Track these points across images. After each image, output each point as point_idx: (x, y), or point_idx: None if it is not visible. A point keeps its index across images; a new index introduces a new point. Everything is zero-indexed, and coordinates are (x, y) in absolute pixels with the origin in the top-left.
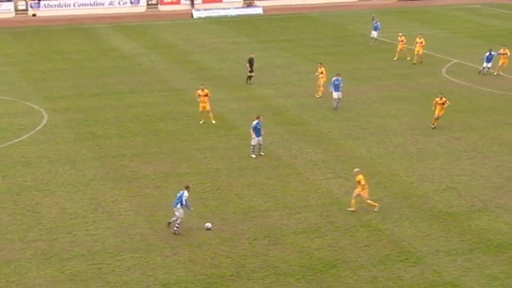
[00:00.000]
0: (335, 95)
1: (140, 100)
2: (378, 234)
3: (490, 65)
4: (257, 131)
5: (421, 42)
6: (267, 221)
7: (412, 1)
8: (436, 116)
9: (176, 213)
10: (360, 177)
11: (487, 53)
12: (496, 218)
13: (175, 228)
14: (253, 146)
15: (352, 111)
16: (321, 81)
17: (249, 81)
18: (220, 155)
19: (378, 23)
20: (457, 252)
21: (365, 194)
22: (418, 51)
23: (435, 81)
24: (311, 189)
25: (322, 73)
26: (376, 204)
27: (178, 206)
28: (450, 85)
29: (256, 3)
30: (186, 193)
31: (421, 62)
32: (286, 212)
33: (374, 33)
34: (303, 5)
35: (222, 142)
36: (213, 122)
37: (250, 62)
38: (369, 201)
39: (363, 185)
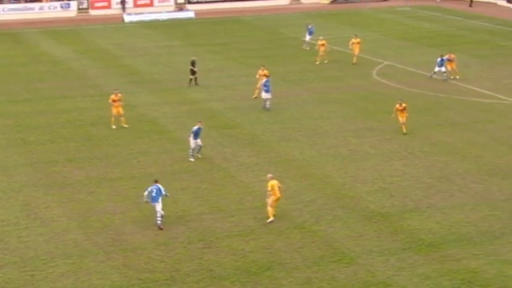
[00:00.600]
0: (264, 95)
1: (72, 105)
2: (312, 235)
3: (443, 68)
4: (196, 135)
5: (358, 42)
6: (202, 225)
7: (342, 4)
8: (401, 122)
9: (157, 209)
10: (273, 182)
11: (439, 59)
12: (428, 218)
13: (158, 222)
14: (192, 149)
15: (285, 114)
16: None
17: (192, 83)
18: (153, 159)
19: (313, 28)
20: (389, 252)
21: (273, 200)
22: (355, 51)
23: (366, 83)
24: (245, 192)
25: (265, 75)
26: (272, 218)
27: (160, 200)
28: (381, 87)
29: (188, 7)
30: (160, 186)
31: (354, 63)
32: (221, 215)
33: (308, 37)
34: (235, 8)
35: (155, 146)
36: (126, 126)
37: (193, 64)
38: (270, 208)
39: (275, 190)
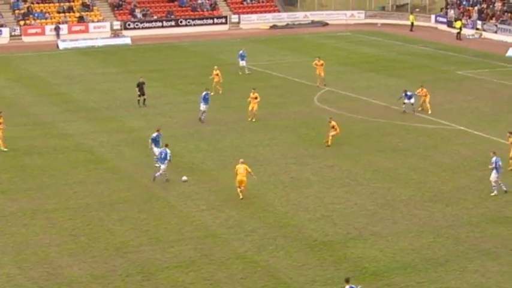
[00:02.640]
0: (202, 107)
1: (4, 134)
2: (254, 265)
3: (412, 100)
4: (156, 143)
5: (321, 64)
6: (140, 257)
7: (281, 29)
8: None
9: (162, 167)
10: (239, 166)
11: (403, 94)
12: (371, 246)
13: (156, 175)
14: (157, 156)
15: (225, 141)
16: (255, 106)
17: (142, 105)
18: (90, 189)
19: (245, 52)
20: (333, 281)
21: (237, 180)
22: (319, 73)
23: (307, 109)
24: (185, 222)
25: (256, 98)
26: (241, 196)
27: (165, 162)
28: (322, 113)
29: (124, 33)
30: (168, 150)
31: (324, 84)
32: (160, 246)
33: (242, 63)
34: (172, 34)
35: (92, 176)
36: (5, 149)
37: (139, 86)
38: (240, 189)
39: (239, 172)
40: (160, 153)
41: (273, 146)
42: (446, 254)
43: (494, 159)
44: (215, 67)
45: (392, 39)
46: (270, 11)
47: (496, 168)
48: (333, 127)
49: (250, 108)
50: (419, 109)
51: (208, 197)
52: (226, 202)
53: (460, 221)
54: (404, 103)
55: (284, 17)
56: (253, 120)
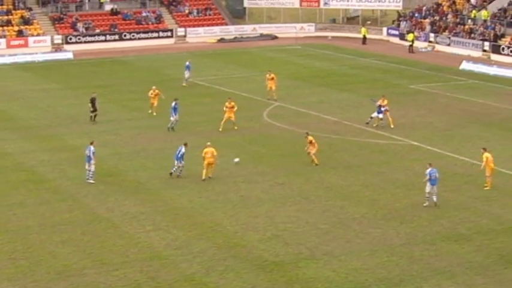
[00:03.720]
0: (172, 117)
1: None
2: None
3: (381, 115)
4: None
5: (272, 78)
6: (84, 280)
7: (229, 43)
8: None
9: (177, 163)
10: (207, 150)
11: (376, 103)
12: (324, 266)
13: (178, 174)
14: (90, 171)
15: (171, 160)
16: (232, 115)
17: (93, 121)
18: (30, 210)
19: (190, 64)
20: None
21: (205, 164)
22: (270, 87)
23: (256, 125)
24: (130, 244)
25: (232, 107)
26: (203, 177)
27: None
28: (272, 129)
29: (66, 47)
30: (183, 149)
31: (275, 99)
32: (104, 269)
33: (186, 73)
34: (116, 48)
35: (32, 197)
36: None
37: (92, 101)
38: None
39: (207, 156)
40: (179, 150)
41: (221, 163)
42: (400, 274)
43: (428, 170)
44: (153, 87)
45: (344, 52)
46: (217, 24)
47: (430, 180)
48: (311, 142)
49: (225, 118)
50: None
51: (154, 217)
52: (173, 222)
53: (415, 239)
54: (371, 117)
55: (232, 30)
56: (235, 128)
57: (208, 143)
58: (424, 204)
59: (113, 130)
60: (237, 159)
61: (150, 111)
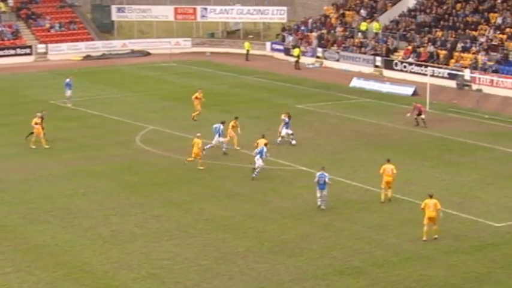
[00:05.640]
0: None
1: None
2: None
3: (290, 130)
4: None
5: (196, 97)
6: None
7: (97, 60)
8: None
9: (256, 163)
10: (194, 141)
11: (285, 119)
12: None
13: (253, 175)
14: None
15: (33, 192)
16: (234, 134)
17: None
18: None
19: (71, 81)
20: None
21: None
22: (198, 108)
23: (129, 151)
24: None
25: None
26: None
27: (258, 157)
28: (146, 155)
29: None
30: (265, 148)
31: (195, 119)
32: None
33: (68, 92)
34: None
35: None
36: None
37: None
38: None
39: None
40: (260, 151)
41: (89, 195)
42: None
43: (318, 174)
44: (38, 114)
45: (224, 69)
46: (82, 40)
47: (319, 184)
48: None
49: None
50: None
51: (14, 257)
52: (35, 262)
53: (305, 273)
54: (281, 136)
55: (99, 46)
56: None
57: (198, 134)
58: (322, 207)
59: None
60: (294, 142)
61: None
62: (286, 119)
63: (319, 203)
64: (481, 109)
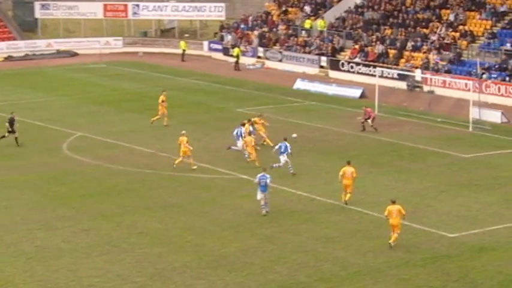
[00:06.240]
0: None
1: None
2: None
3: (283, 159)
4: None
5: (163, 101)
6: None
7: (19, 61)
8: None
9: (281, 160)
10: (181, 138)
11: (238, 129)
12: None
13: (274, 165)
14: None
15: None
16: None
17: (17, 143)
18: None
19: None
20: None
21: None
22: (163, 111)
23: (55, 160)
24: None
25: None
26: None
27: (284, 155)
28: (74, 164)
29: None
30: (288, 144)
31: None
32: None
33: None
34: None
35: None
36: None
37: (11, 122)
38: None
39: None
40: (280, 146)
41: (12, 208)
42: None
43: (259, 175)
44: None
45: (158, 71)
46: (3, 39)
47: (260, 185)
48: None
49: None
50: (264, 142)
51: None
52: None
53: None
54: (230, 147)
55: (22, 46)
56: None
57: (183, 132)
58: (263, 213)
59: None
60: (294, 135)
61: None
62: (251, 128)
63: (263, 212)
64: (433, 112)
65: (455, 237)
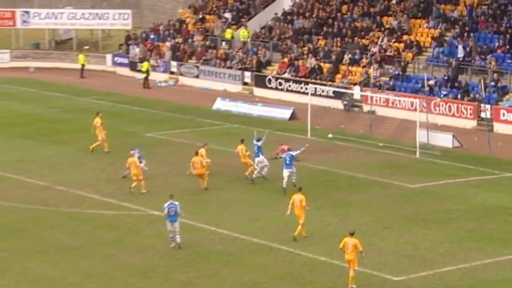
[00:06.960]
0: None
1: None
2: None
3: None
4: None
5: (101, 124)
6: None
7: None
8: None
9: (284, 174)
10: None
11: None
12: None
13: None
14: None
15: None
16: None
17: None
18: None
19: None
20: None
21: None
22: (102, 137)
23: None
24: None
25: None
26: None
27: (288, 168)
28: None
29: None
30: (292, 153)
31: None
32: None
33: None
34: None
35: None
36: None
37: None
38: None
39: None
40: (284, 158)
41: None
42: None
43: (167, 204)
44: None
45: (53, 89)
46: None
47: (169, 216)
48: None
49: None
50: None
51: None
52: None
53: None
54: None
55: None
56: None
57: (132, 151)
58: (172, 245)
59: None
60: (330, 135)
61: None
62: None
63: (173, 245)
64: (374, 135)
65: (401, 280)
